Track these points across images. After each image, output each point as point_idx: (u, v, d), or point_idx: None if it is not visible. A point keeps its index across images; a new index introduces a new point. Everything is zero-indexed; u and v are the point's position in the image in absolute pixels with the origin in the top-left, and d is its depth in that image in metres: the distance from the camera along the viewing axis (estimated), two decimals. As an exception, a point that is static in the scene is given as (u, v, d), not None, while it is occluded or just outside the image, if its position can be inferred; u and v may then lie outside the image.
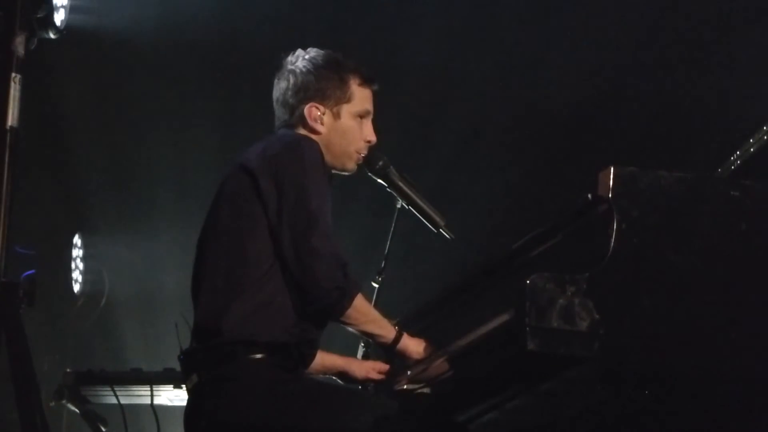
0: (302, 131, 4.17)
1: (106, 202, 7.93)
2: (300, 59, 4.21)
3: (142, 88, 7.73)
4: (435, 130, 7.63)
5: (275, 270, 3.94)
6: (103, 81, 7.68)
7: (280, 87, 4.22)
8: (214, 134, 7.67)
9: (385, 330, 4.06)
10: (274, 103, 4.25)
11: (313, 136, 4.14)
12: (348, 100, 4.19)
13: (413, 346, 4.08)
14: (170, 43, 7.57)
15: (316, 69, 4.18)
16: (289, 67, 4.22)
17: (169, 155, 7.87)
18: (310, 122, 4.16)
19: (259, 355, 3.87)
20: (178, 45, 7.60)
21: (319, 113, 4.17)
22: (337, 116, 4.18)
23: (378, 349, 4.38)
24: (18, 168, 4.28)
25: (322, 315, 3.99)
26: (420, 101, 7.57)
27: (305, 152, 4.02)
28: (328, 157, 4.14)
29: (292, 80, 4.19)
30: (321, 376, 4.28)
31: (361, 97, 4.22)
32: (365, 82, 4.24)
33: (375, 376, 4.22)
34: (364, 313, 4.00)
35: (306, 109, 4.17)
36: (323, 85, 4.17)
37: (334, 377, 4.32)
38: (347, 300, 3.92)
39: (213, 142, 7.63)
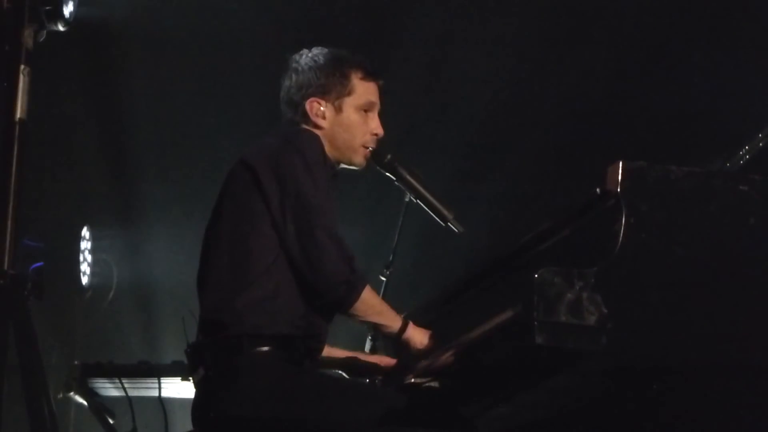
0: (306, 127, 4.19)
1: (115, 194, 7.94)
2: (303, 57, 4.26)
3: (151, 81, 7.72)
4: (442, 124, 7.63)
5: (280, 263, 3.95)
6: (112, 73, 7.68)
7: (285, 86, 4.27)
8: (225, 127, 7.67)
9: (391, 320, 4.07)
10: (281, 102, 4.28)
11: (317, 132, 4.17)
12: (349, 93, 4.22)
13: (418, 336, 4.08)
14: (179, 35, 7.58)
15: (318, 65, 4.22)
16: (293, 65, 4.27)
17: (179, 148, 7.88)
18: (312, 117, 4.19)
19: (265, 348, 3.87)
20: (187, 37, 7.60)
21: (320, 108, 4.19)
22: (339, 110, 4.21)
23: (385, 341, 4.39)
24: (27, 160, 4.28)
25: (330, 308, 4.00)
26: (425, 95, 7.57)
27: (305, 146, 4.04)
28: (333, 152, 4.17)
29: (294, 78, 4.24)
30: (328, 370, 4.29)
31: (363, 90, 4.24)
32: (368, 75, 4.26)
33: (383, 363, 4.26)
34: (372, 305, 4.01)
35: (308, 104, 4.20)
36: (324, 81, 4.20)
37: (340, 372, 4.34)
38: (355, 293, 3.93)
39: (224, 134, 7.63)
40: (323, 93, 4.20)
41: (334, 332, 4.12)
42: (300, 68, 4.23)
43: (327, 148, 4.14)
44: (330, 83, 4.20)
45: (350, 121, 4.22)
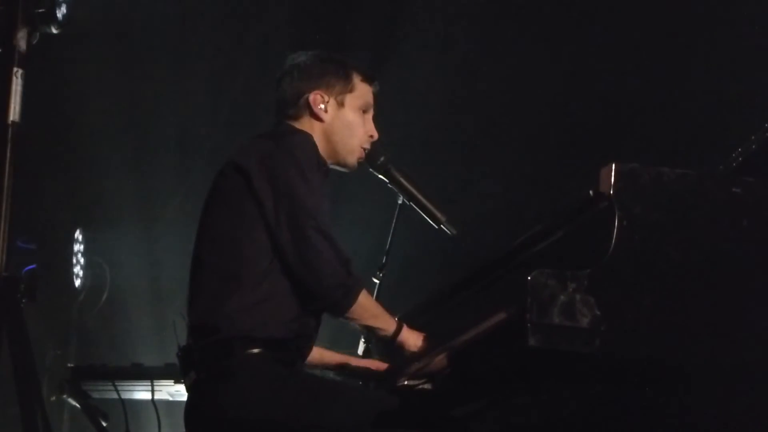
0: (306, 120, 4.19)
1: (108, 196, 7.94)
2: (303, 55, 4.28)
3: (144, 81, 7.73)
4: (437, 126, 7.63)
5: (274, 267, 3.93)
6: (106, 75, 7.68)
7: (284, 82, 4.25)
8: (218, 126, 7.67)
9: (386, 323, 4.06)
10: (277, 102, 4.26)
11: (317, 125, 4.17)
12: (351, 90, 4.23)
13: (412, 339, 4.08)
14: (175, 36, 7.58)
15: (320, 61, 4.24)
16: (294, 62, 4.26)
17: (171, 149, 7.88)
18: (315, 109, 4.19)
19: (256, 350, 3.86)
20: (182, 38, 7.61)
21: (323, 100, 4.19)
22: (341, 105, 4.21)
23: (379, 344, 4.38)
24: (19, 162, 4.28)
25: (327, 312, 3.99)
26: (423, 97, 7.57)
27: (298, 149, 4.02)
28: (329, 149, 4.16)
29: (296, 74, 4.23)
30: (319, 370, 4.29)
31: (363, 91, 4.26)
32: (366, 78, 4.27)
33: (375, 367, 4.25)
34: (367, 309, 4.00)
35: (311, 96, 4.19)
36: (327, 76, 4.22)
37: (331, 373, 4.33)
38: (352, 297, 3.92)
39: (217, 135, 7.63)
40: (327, 87, 4.20)
41: (331, 334, 4.12)
42: (302, 65, 4.23)
43: (322, 145, 4.14)
44: (334, 79, 4.21)
45: (350, 120, 4.22)
